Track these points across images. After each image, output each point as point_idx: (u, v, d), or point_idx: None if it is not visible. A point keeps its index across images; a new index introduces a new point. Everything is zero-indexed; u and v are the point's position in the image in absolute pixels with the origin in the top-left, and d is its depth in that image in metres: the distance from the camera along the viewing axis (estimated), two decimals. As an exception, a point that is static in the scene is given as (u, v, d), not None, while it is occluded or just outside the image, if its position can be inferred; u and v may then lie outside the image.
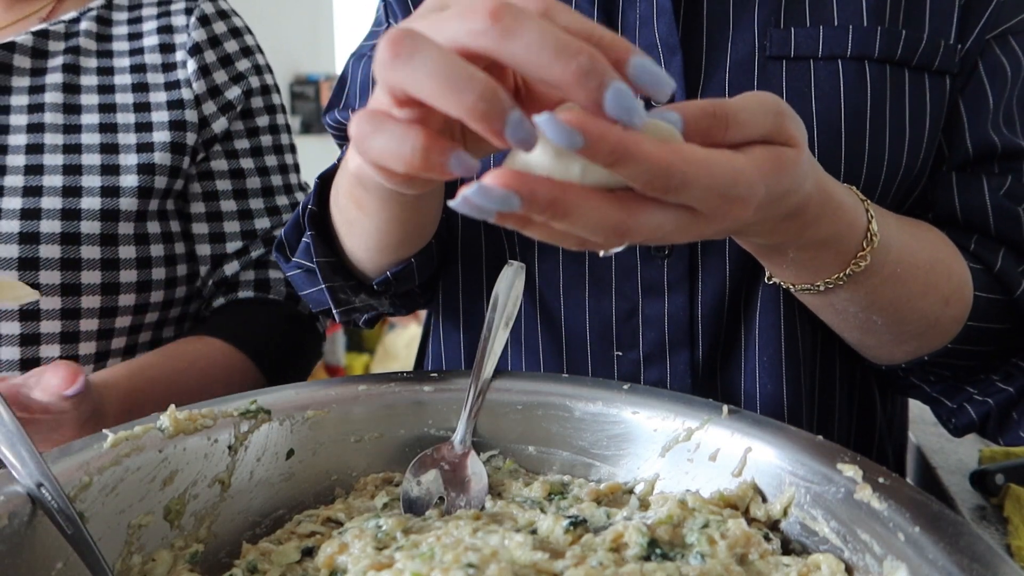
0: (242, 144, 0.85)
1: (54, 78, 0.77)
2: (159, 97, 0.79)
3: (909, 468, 0.83)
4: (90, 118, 0.77)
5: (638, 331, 0.61)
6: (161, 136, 0.78)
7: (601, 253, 0.36)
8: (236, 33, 0.86)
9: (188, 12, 0.83)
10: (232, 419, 0.48)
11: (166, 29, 0.82)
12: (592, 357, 0.63)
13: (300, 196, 0.89)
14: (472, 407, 0.52)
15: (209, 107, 0.81)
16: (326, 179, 0.60)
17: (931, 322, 0.54)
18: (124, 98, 0.78)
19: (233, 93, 0.83)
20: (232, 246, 0.84)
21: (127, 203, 0.75)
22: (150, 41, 0.82)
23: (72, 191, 0.73)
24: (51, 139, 0.75)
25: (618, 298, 0.61)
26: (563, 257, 0.62)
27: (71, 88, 0.77)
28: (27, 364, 0.73)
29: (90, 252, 0.73)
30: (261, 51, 0.89)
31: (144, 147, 0.77)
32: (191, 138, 0.80)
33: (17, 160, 0.73)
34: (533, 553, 0.38)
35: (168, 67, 0.81)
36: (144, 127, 0.78)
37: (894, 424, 0.70)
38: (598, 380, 0.53)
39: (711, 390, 0.62)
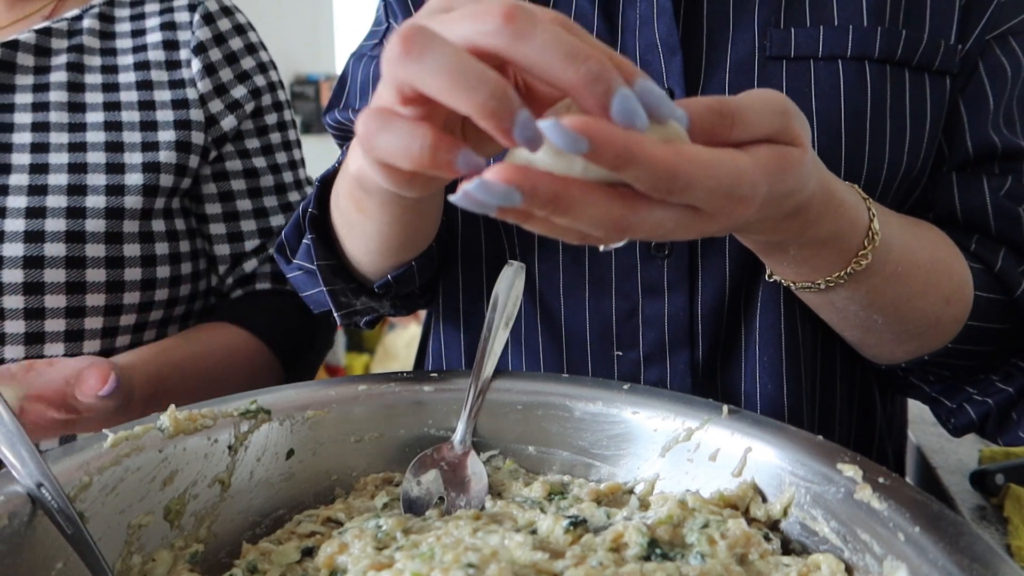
0: (253, 143, 0.85)
1: (58, 76, 0.77)
2: (164, 96, 0.79)
3: (909, 468, 0.83)
4: (95, 116, 0.77)
5: (638, 331, 0.61)
6: (166, 135, 0.78)
7: (601, 248, 0.36)
8: (240, 30, 0.86)
9: (191, 9, 0.83)
10: (232, 419, 0.48)
11: (169, 26, 0.82)
12: (592, 357, 0.63)
13: (309, 191, 0.89)
14: (472, 407, 0.52)
15: (216, 105, 0.81)
16: (326, 182, 0.60)
17: (931, 321, 0.54)
18: (128, 96, 0.78)
19: (239, 92, 0.83)
20: (250, 244, 0.85)
21: (132, 201, 0.75)
22: (153, 38, 0.81)
23: (77, 190, 0.73)
24: (56, 138, 0.75)
25: (618, 298, 0.61)
26: (563, 257, 0.62)
27: (75, 87, 0.77)
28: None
29: (95, 250, 0.73)
30: (265, 47, 0.89)
31: (149, 146, 0.77)
32: (197, 137, 0.80)
33: (22, 159, 0.73)
34: (533, 553, 0.38)
35: (172, 65, 0.81)
36: (149, 126, 0.78)
37: (894, 424, 0.70)
38: (598, 380, 0.53)
39: (711, 390, 0.62)
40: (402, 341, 3.14)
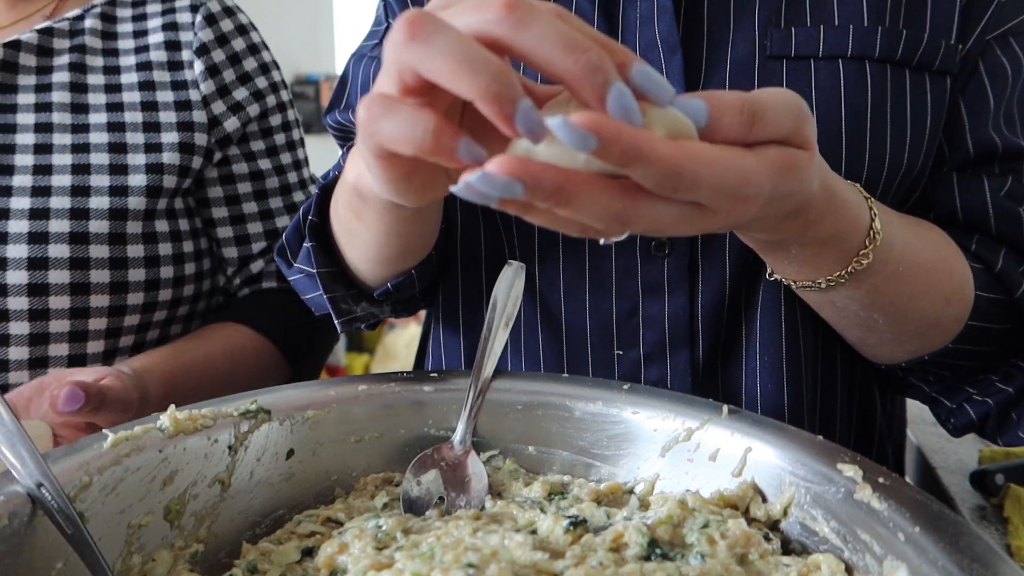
0: (258, 145, 0.86)
1: (61, 77, 0.77)
2: (166, 97, 0.79)
3: (909, 468, 0.83)
4: (98, 117, 0.77)
5: (638, 331, 0.61)
6: (169, 137, 0.78)
7: (601, 241, 0.36)
8: (243, 31, 0.86)
9: (193, 9, 0.83)
10: (232, 419, 0.48)
11: (171, 27, 0.82)
12: (592, 357, 0.63)
13: (313, 189, 0.90)
14: (472, 407, 0.52)
15: (218, 107, 0.82)
16: (327, 189, 0.61)
17: (932, 321, 0.54)
18: (131, 97, 0.78)
19: (242, 94, 0.84)
20: (257, 246, 0.86)
21: (135, 202, 0.75)
22: (155, 39, 0.81)
23: (80, 190, 0.73)
24: (59, 139, 0.75)
25: (618, 298, 0.61)
26: (563, 257, 0.62)
27: (78, 87, 0.77)
28: (35, 363, 0.73)
29: (99, 251, 0.73)
30: (267, 48, 0.89)
31: (152, 147, 0.77)
32: (200, 138, 0.80)
33: (25, 160, 0.73)
34: (533, 553, 0.38)
35: (174, 65, 0.81)
36: (152, 127, 0.78)
37: (893, 424, 0.70)
38: (598, 380, 0.53)
39: (712, 390, 0.62)
40: (402, 341, 3.14)
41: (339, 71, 0.74)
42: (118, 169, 0.75)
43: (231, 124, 0.82)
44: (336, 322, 0.63)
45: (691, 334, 0.61)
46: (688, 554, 0.40)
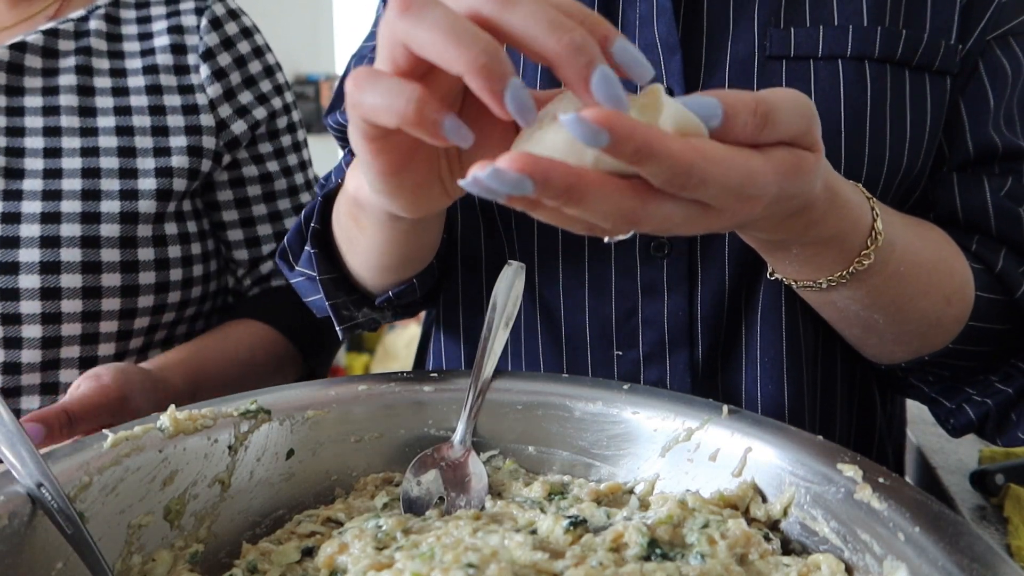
0: (266, 148, 0.86)
1: (67, 79, 0.77)
2: (173, 100, 0.80)
3: (909, 468, 0.83)
4: (106, 121, 0.77)
5: (638, 331, 0.61)
6: (177, 141, 0.78)
7: (606, 239, 0.36)
8: (247, 34, 0.87)
9: (198, 12, 0.83)
10: (232, 419, 0.48)
11: (176, 29, 0.82)
12: (592, 357, 0.63)
13: (316, 191, 0.90)
14: (472, 407, 0.52)
15: (225, 110, 0.82)
16: (329, 196, 0.61)
17: (932, 322, 0.54)
18: (139, 100, 0.78)
19: (247, 97, 0.84)
20: (267, 248, 0.87)
21: (146, 206, 0.75)
22: (161, 41, 0.81)
23: (91, 194, 0.74)
24: (68, 143, 0.75)
25: (618, 298, 0.61)
26: (563, 258, 0.62)
27: (85, 90, 0.77)
28: (47, 366, 0.73)
29: (110, 255, 0.74)
30: (270, 49, 0.90)
31: (161, 151, 0.77)
32: (208, 141, 0.80)
33: (35, 164, 0.73)
34: (533, 553, 0.38)
35: (181, 69, 0.81)
36: (160, 131, 0.78)
37: (893, 424, 0.70)
38: (598, 380, 0.53)
39: (711, 390, 0.62)
40: (402, 341, 3.14)
41: (339, 71, 0.74)
42: (128, 173, 0.75)
43: (238, 127, 0.83)
44: (337, 327, 0.63)
45: (690, 334, 0.61)
46: (688, 554, 0.40)
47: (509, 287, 0.54)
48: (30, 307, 0.71)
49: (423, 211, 0.42)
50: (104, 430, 0.45)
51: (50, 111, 0.75)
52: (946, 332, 0.55)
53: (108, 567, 0.39)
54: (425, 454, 0.51)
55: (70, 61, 0.78)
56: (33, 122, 0.75)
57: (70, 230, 0.72)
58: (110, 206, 0.74)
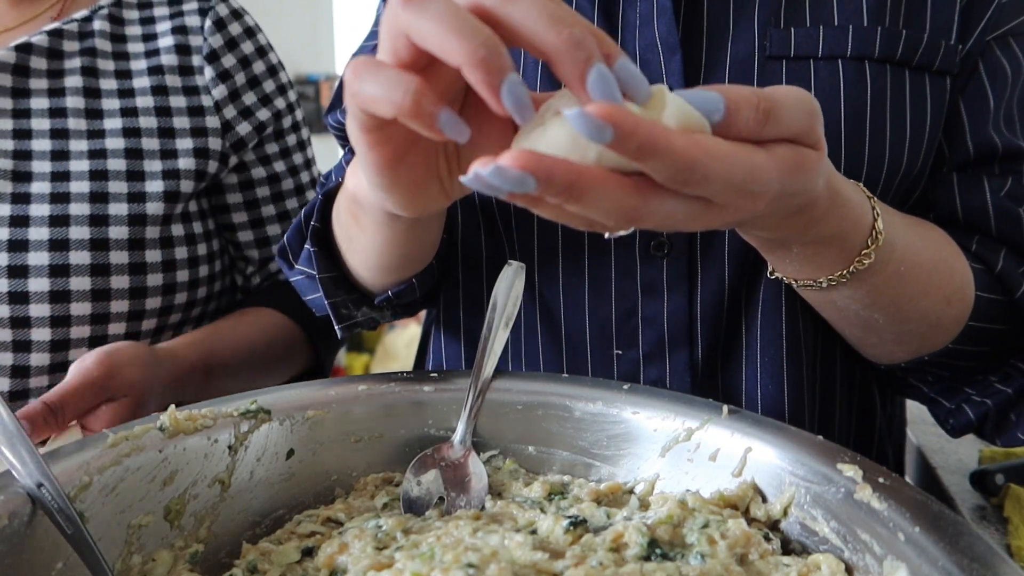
0: (272, 148, 0.87)
1: (73, 81, 0.77)
2: (179, 102, 0.80)
3: (909, 468, 0.83)
4: (112, 123, 0.77)
5: (637, 330, 0.61)
6: (184, 143, 0.79)
7: (606, 235, 0.36)
8: (251, 34, 0.87)
9: (202, 13, 0.83)
10: (232, 419, 0.48)
11: (180, 30, 0.82)
12: (592, 356, 0.63)
13: (318, 188, 0.91)
14: (472, 407, 0.52)
15: (230, 111, 0.82)
16: (329, 195, 0.61)
17: (932, 322, 0.54)
18: (145, 102, 0.78)
19: (252, 98, 0.84)
20: (276, 248, 0.87)
21: (154, 208, 0.76)
22: (165, 42, 0.81)
23: (99, 197, 0.74)
24: (75, 145, 0.75)
25: (617, 297, 0.61)
26: (562, 257, 0.62)
27: (91, 92, 0.77)
28: (56, 368, 0.74)
29: (118, 257, 0.74)
30: (272, 49, 0.90)
31: (168, 153, 0.78)
32: (215, 143, 0.81)
33: (43, 167, 0.73)
34: (533, 553, 0.38)
35: (185, 70, 0.81)
36: (166, 132, 0.78)
37: (893, 424, 0.70)
38: (598, 380, 0.53)
39: (711, 390, 0.62)
40: (402, 341, 3.14)
41: (339, 71, 0.74)
42: (135, 175, 0.76)
43: (243, 128, 0.83)
44: (336, 327, 0.63)
45: (690, 334, 0.61)
46: (688, 554, 0.40)
47: (509, 287, 0.54)
48: (39, 310, 0.71)
49: (421, 210, 0.42)
50: (104, 430, 0.45)
51: (56, 113, 0.75)
52: (946, 332, 0.55)
53: (108, 567, 0.39)
54: (425, 454, 0.51)
55: (75, 62, 0.78)
56: (40, 124, 0.75)
57: (79, 233, 0.72)
58: (118, 208, 0.74)
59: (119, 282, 0.74)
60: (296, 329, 0.85)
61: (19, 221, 0.71)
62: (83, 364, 0.63)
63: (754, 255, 0.56)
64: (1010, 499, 0.65)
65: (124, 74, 0.79)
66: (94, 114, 0.76)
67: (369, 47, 0.71)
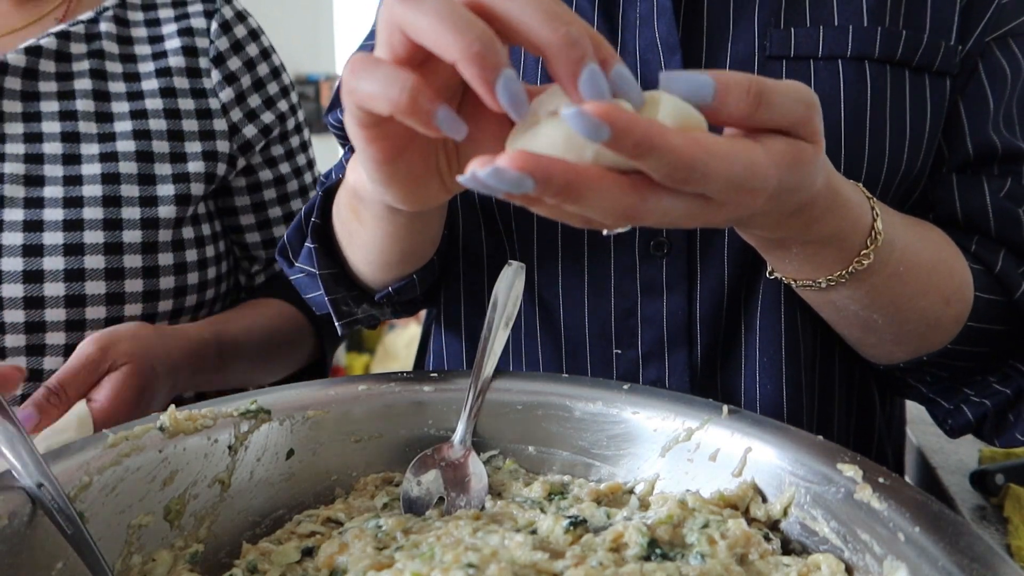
0: (278, 150, 0.88)
1: (83, 84, 0.76)
2: (187, 104, 0.80)
3: (909, 468, 0.83)
4: (123, 126, 0.77)
5: (636, 330, 0.61)
6: (193, 146, 0.79)
7: (604, 232, 0.36)
8: (255, 36, 0.87)
9: (208, 15, 0.83)
10: (232, 419, 0.48)
11: (186, 32, 0.82)
12: (591, 356, 0.63)
13: (318, 187, 0.92)
14: (472, 407, 0.52)
15: (236, 114, 0.82)
16: (330, 191, 0.61)
17: (931, 322, 0.54)
18: (154, 104, 0.78)
19: (257, 100, 0.85)
20: (276, 246, 0.88)
21: (166, 211, 0.76)
22: (172, 44, 0.81)
23: (112, 200, 0.73)
24: (87, 148, 0.74)
25: (617, 297, 0.61)
26: (562, 256, 0.62)
27: (101, 95, 0.77)
28: None
29: (132, 261, 0.74)
30: (275, 50, 0.90)
31: (177, 156, 0.78)
32: (223, 145, 0.81)
33: (55, 170, 0.73)
34: (533, 553, 0.38)
35: (192, 72, 0.81)
36: (176, 135, 0.78)
37: (893, 424, 0.70)
38: (598, 380, 0.53)
39: (710, 390, 0.62)
40: (402, 341, 3.14)
41: (339, 71, 0.74)
42: (146, 179, 0.76)
43: (250, 131, 0.83)
44: (336, 323, 0.63)
45: (689, 334, 0.61)
46: (688, 554, 0.40)
47: (509, 287, 0.54)
48: (55, 315, 0.71)
49: (420, 204, 0.42)
50: (104, 430, 0.45)
51: (66, 116, 0.75)
52: (945, 332, 0.55)
53: (108, 567, 0.39)
54: (425, 454, 0.51)
55: (83, 65, 0.77)
56: (51, 127, 0.74)
57: (93, 237, 0.72)
58: (131, 212, 0.74)
59: (133, 286, 0.74)
60: (302, 317, 0.86)
61: (33, 226, 0.71)
62: (81, 346, 0.64)
63: (753, 255, 0.56)
64: (1010, 499, 0.65)
65: (132, 76, 0.79)
66: (104, 117, 0.76)
67: (369, 46, 0.71)
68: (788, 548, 0.42)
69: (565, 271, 0.62)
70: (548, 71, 0.33)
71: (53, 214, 0.71)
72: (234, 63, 0.83)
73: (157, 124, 0.78)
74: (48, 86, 0.76)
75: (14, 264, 0.70)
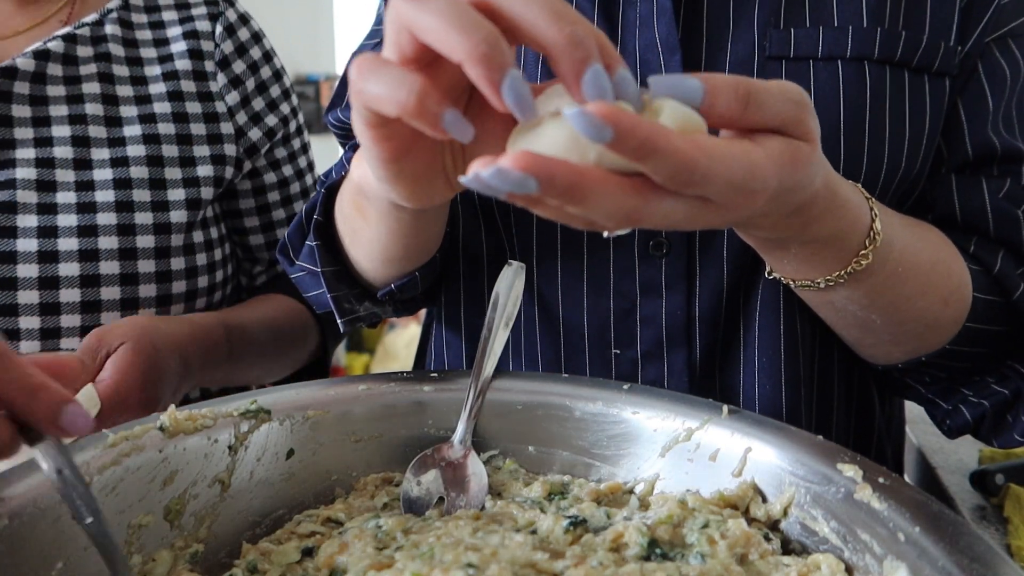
0: (281, 153, 0.88)
1: (91, 88, 0.76)
2: (195, 108, 0.80)
3: (909, 468, 0.83)
4: (132, 130, 0.76)
5: (635, 330, 0.61)
6: (201, 150, 0.79)
7: (605, 234, 0.36)
8: (257, 39, 0.87)
9: (212, 18, 0.83)
10: (232, 419, 0.48)
11: (192, 35, 0.82)
12: (590, 355, 0.63)
13: (319, 186, 0.92)
14: (472, 407, 0.52)
15: (242, 117, 0.83)
16: (332, 189, 0.61)
17: (930, 322, 0.54)
18: (162, 107, 0.78)
19: (260, 103, 0.85)
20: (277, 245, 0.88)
21: (177, 216, 0.76)
22: (178, 47, 0.81)
23: (125, 206, 0.73)
24: (97, 153, 0.74)
25: (616, 297, 0.61)
26: (561, 256, 0.62)
27: (109, 99, 0.77)
28: None
29: (146, 267, 0.74)
30: (275, 52, 0.90)
31: (187, 160, 0.78)
32: (230, 149, 0.81)
33: (67, 176, 0.73)
34: (533, 553, 0.38)
35: (199, 76, 0.81)
36: (184, 139, 0.78)
37: (892, 424, 0.70)
38: (598, 380, 0.53)
39: (709, 390, 0.62)
40: (402, 341, 3.14)
41: (339, 71, 0.74)
42: (157, 184, 0.76)
43: (255, 134, 0.84)
44: (339, 321, 0.64)
45: (688, 334, 0.61)
46: (688, 554, 0.40)
47: (509, 287, 0.54)
48: (70, 321, 0.71)
49: (425, 201, 0.42)
50: (104, 430, 0.45)
51: (76, 120, 0.75)
52: (943, 333, 0.55)
53: (124, 558, 0.38)
54: (425, 454, 0.51)
55: (91, 68, 0.77)
56: (60, 131, 0.74)
57: (107, 243, 0.72)
58: (143, 217, 0.74)
59: (146, 291, 0.74)
60: (307, 313, 0.86)
61: (48, 232, 0.71)
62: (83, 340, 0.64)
63: (752, 255, 0.56)
64: (1010, 499, 0.65)
65: (139, 80, 0.79)
66: (113, 121, 0.76)
67: (370, 46, 0.71)
68: (788, 548, 0.42)
69: (564, 271, 0.62)
70: (552, 70, 0.33)
71: (67, 220, 0.71)
72: (238, 66, 0.83)
73: (166, 128, 0.78)
74: (56, 90, 0.75)
75: (29, 271, 0.70)
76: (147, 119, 0.77)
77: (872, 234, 0.46)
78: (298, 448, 0.50)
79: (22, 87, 0.73)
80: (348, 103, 0.70)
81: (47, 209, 0.71)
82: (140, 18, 0.82)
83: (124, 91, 0.78)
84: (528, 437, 0.52)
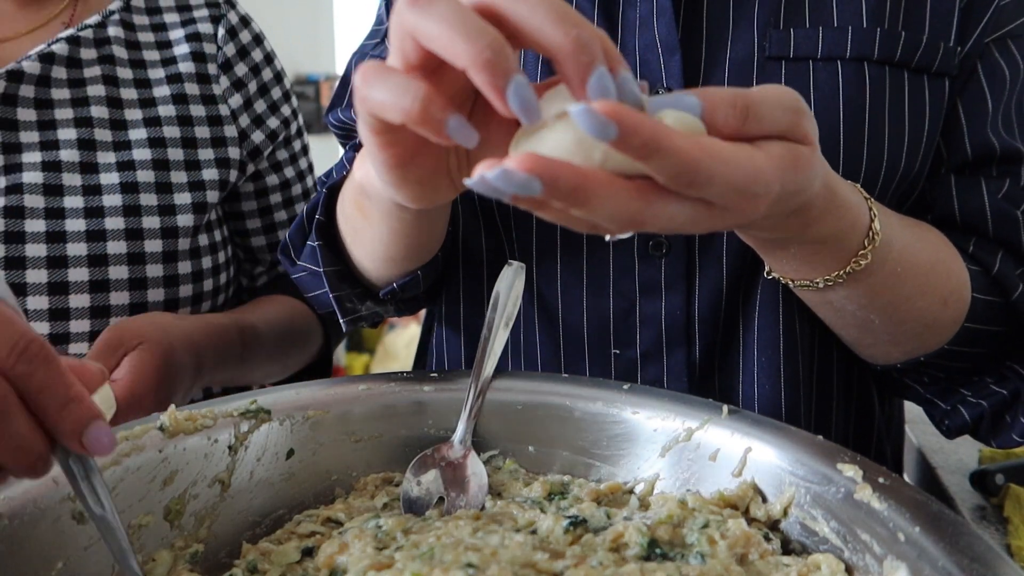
0: (282, 155, 0.88)
1: (95, 90, 0.76)
2: (199, 111, 0.80)
3: (909, 468, 0.83)
4: (137, 133, 0.76)
5: (635, 330, 0.61)
6: (206, 153, 0.79)
7: (607, 237, 0.36)
8: (258, 41, 0.87)
9: (214, 20, 0.83)
10: (232, 419, 0.48)
11: (194, 37, 0.82)
12: (589, 355, 0.63)
13: (319, 186, 0.92)
14: (472, 407, 0.52)
15: (244, 120, 0.83)
16: (333, 190, 0.61)
17: (928, 322, 0.54)
18: (166, 111, 0.78)
19: (262, 106, 0.85)
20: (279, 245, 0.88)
21: (184, 220, 0.76)
22: (181, 50, 0.81)
23: (132, 210, 0.73)
24: (103, 157, 0.74)
25: (616, 297, 0.61)
26: (561, 256, 0.62)
27: (114, 102, 0.76)
28: None
29: (154, 271, 0.74)
30: (275, 55, 0.90)
31: (192, 164, 0.78)
32: (234, 152, 0.81)
33: (74, 180, 0.72)
34: (533, 553, 0.38)
35: (202, 78, 0.81)
36: (189, 142, 0.78)
37: (892, 424, 0.70)
38: (598, 380, 0.53)
39: (709, 389, 0.62)
40: (402, 341, 3.14)
41: (339, 71, 0.74)
42: (163, 187, 0.75)
43: (258, 137, 0.84)
44: (341, 320, 0.64)
45: (688, 334, 0.61)
46: (688, 554, 0.40)
47: (509, 287, 0.54)
48: (79, 326, 0.71)
49: (429, 202, 0.42)
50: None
51: (82, 123, 0.74)
52: (942, 333, 0.55)
53: (133, 550, 0.38)
54: (425, 454, 0.51)
55: (95, 71, 0.77)
56: (66, 134, 0.73)
57: (116, 248, 0.72)
58: (151, 222, 0.74)
59: (154, 295, 0.74)
60: (311, 312, 0.86)
61: (56, 237, 0.70)
62: (100, 335, 0.64)
63: (752, 255, 0.56)
64: (1010, 499, 0.65)
65: (143, 83, 0.79)
66: (118, 125, 0.76)
67: (370, 46, 0.71)
68: (788, 548, 0.42)
69: (564, 271, 0.62)
70: (557, 73, 0.33)
71: (75, 225, 0.71)
72: (240, 69, 0.83)
73: (171, 131, 0.77)
74: (61, 93, 0.75)
75: (39, 276, 0.69)
76: (152, 122, 0.77)
77: (871, 234, 0.47)
78: (298, 448, 0.50)
79: (27, 90, 0.73)
80: (348, 103, 0.70)
81: (55, 214, 0.71)
82: (142, 20, 0.82)
83: (128, 94, 0.78)
84: (528, 437, 0.52)
